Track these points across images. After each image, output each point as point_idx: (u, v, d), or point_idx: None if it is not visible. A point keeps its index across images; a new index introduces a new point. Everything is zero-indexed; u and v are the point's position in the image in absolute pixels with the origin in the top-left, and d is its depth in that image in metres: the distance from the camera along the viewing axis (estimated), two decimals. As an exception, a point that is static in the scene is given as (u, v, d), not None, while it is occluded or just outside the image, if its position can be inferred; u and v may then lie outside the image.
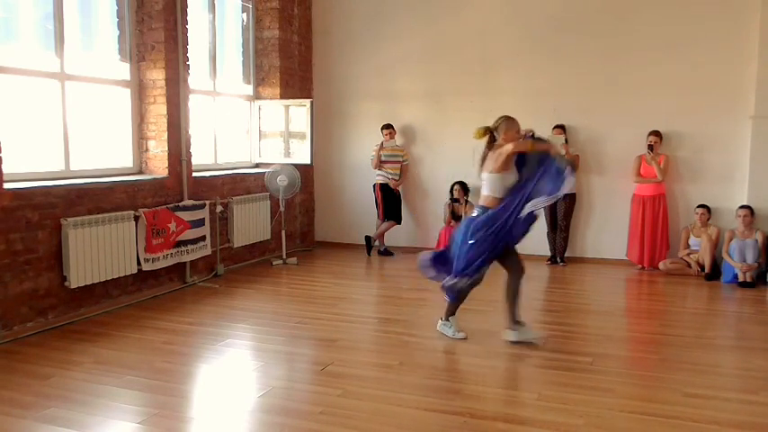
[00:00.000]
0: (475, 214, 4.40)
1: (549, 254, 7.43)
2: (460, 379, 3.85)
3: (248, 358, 4.38)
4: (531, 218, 4.27)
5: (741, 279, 6.28)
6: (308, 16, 8.27)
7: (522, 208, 4.19)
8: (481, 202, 4.41)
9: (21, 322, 4.63)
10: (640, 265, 7.07)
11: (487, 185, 4.37)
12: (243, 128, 7.70)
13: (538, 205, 4.19)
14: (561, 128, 7.21)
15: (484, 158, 4.42)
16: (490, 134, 4.42)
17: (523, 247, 7.63)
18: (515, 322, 4.46)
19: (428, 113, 7.94)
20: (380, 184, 7.79)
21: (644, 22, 6.98)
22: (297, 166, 7.36)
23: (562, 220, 7.28)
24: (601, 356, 4.25)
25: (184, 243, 6.00)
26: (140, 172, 6.01)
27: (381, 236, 7.93)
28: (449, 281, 4.50)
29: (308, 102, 7.57)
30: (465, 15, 7.63)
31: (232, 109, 7.52)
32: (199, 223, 6.19)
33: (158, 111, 5.90)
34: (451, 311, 4.69)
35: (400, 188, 7.92)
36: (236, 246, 6.93)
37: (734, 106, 6.74)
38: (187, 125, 6.16)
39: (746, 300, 5.84)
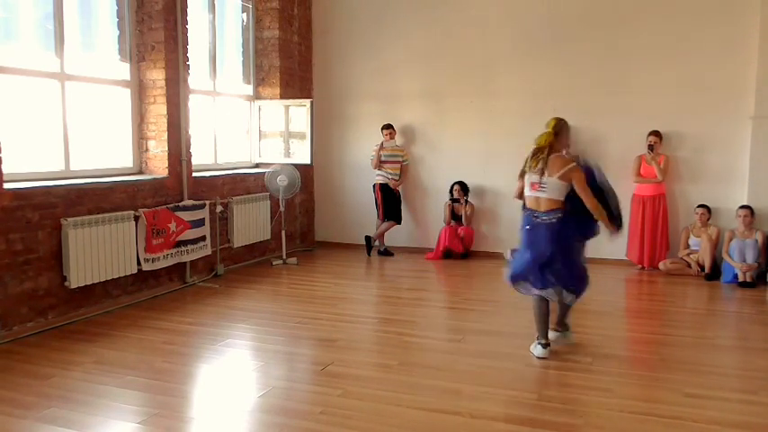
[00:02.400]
0: (554, 220, 4.18)
1: (549, 254, 7.42)
2: (460, 379, 3.85)
3: (248, 358, 4.38)
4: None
5: (741, 279, 6.28)
6: (308, 16, 8.28)
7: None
8: (552, 206, 4.18)
9: (21, 322, 4.63)
10: (640, 265, 7.07)
11: (555, 190, 4.16)
12: (243, 128, 7.70)
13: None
14: (561, 128, 7.19)
15: (539, 159, 4.18)
16: (553, 139, 4.22)
17: (523, 247, 7.68)
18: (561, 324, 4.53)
19: (428, 114, 7.94)
20: (380, 184, 7.78)
21: (644, 23, 6.98)
22: (297, 166, 7.36)
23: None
24: (601, 356, 4.25)
25: (184, 243, 6.00)
26: (140, 172, 6.01)
27: (381, 236, 7.93)
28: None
29: (308, 102, 7.57)
30: (465, 16, 7.63)
31: (232, 109, 7.52)
32: (199, 223, 6.19)
33: (158, 111, 5.90)
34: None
35: (400, 188, 7.92)
36: (236, 246, 6.93)
37: (734, 106, 6.74)
38: (187, 125, 6.16)
39: (746, 300, 5.83)
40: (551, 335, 4.39)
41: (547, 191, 4.18)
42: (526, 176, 4.29)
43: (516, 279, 4.38)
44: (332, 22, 8.24)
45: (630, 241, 7.13)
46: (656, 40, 6.94)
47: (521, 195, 4.44)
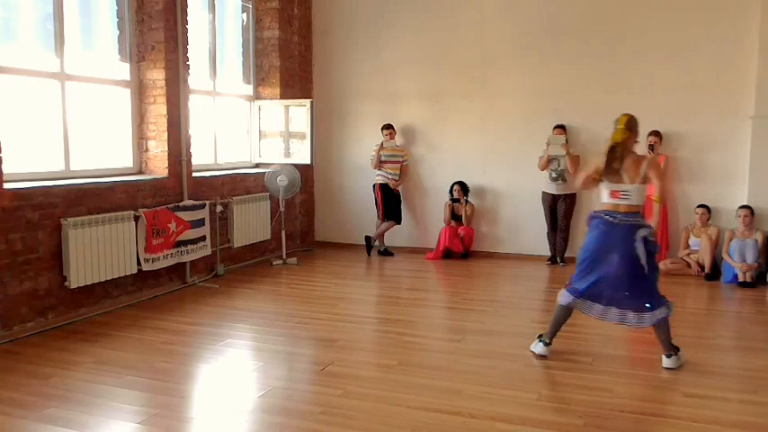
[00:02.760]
0: (643, 225, 3.99)
1: (548, 254, 7.44)
2: (460, 379, 3.85)
3: (248, 358, 4.38)
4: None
5: (741, 279, 6.28)
6: (308, 16, 8.28)
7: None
8: (633, 209, 4.01)
9: (21, 322, 4.63)
10: (640, 265, 7.06)
11: (639, 195, 4.00)
12: (243, 128, 7.70)
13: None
14: (562, 128, 7.20)
15: (614, 160, 3.99)
16: (628, 135, 4.04)
17: (523, 247, 7.72)
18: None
19: (428, 114, 7.95)
20: (380, 184, 7.79)
21: (644, 23, 6.98)
22: (297, 166, 7.36)
23: (562, 220, 7.28)
24: (601, 356, 4.25)
25: (184, 243, 6.00)
26: (140, 172, 6.01)
27: (381, 236, 7.93)
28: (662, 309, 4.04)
29: (308, 102, 7.56)
30: (465, 16, 7.63)
31: (232, 109, 7.52)
32: (199, 223, 6.19)
33: (158, 111, 5.90)
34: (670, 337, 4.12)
35: (400, 188, 7.92)
36: (236, 246, 6.93)
37: (734, 106, 6.74)
38: (187, 125, 6.15)
39: (746, 300, 5.83)
40: (665, 361, 4.06)
41: (630, 198, 3.99)
42: (604, 183, 4.06)
43: (582, 295, 4.09)
44: (332, 22, 8.24)
45: (630, 241, 7.12)
46: (656, 39, 6.94)
47: (586, 185, 4.21)
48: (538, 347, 4.23)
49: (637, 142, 4.13)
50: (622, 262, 3.96)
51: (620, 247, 3.97)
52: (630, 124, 4.05)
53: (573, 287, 4.15)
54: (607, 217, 4.04)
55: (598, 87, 7.20)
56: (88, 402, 3.51)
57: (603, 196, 4.11)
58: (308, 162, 7.59)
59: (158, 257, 5.70)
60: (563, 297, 4.20)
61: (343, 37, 8.19)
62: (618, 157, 4.00)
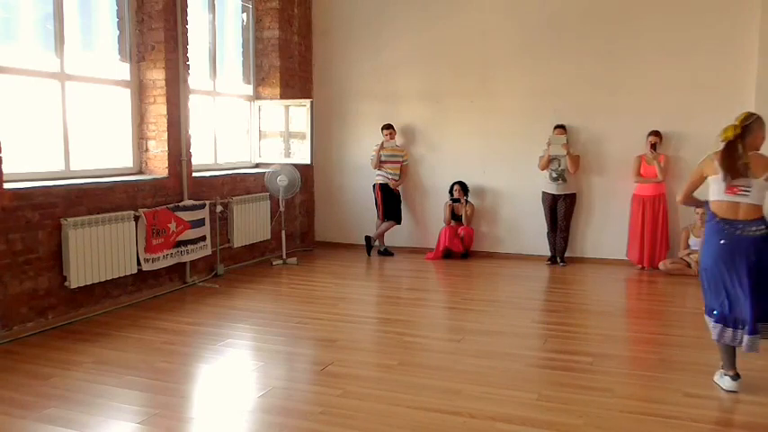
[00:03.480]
0: (761, 233, 3.56)
1: (549, 254, 7.44)
2: (460, 379, 3.85)
3: (248, 358, 4.38)
4: None
5: (741, 279, 6.27)
6: (308, 16, 8.28)
7: None
8: (756, 215, 3.57)
9: (21, 322, 4.63)
10: (640, 266, 7.07)
11: (759, 194, 3.55)
12: (243, 128, 7.70)
13: None
14: (562, 128, 7.20)
15: (736, 160, 3.59)
16: (740, 132, 3.62)
17: (523, 247, 7.71)
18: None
19: (428, 113, 7.94)
20: (380, 184, 7.78)
21: (644, 23, 6.98)
22: (297, 166, 7.36)
23: (562, 220, 7.28)
24: (601, 356, 4.25)
25: (184, 243, 6.00)
26: (140, 172, 6.01)
27: (381, 236, 7.93)
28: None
29: (308, 102, 7.56)
30: (465, 15, 7.63)
31: (232, 109, 7.52)
32: (199, 223, 6.19)
33: (158, 111, 5.90)
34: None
35: (400, 188, 7.92)
36: (236, 246, 6.93)
37: (734, 106, 6.69)
38: (187, 125, 6.16)
39: (746, 300, 5.82)
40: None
41: (751, 195, 3.55)
42: (715, 178, 3.68)
43: (723, 321, 3.71)
44: (332, 22, 8.24)
45: (630, 241, 7.13)
46: (657, 39, 6.94)
47: (689, 198, 3.88)
48: (725, 382, 3.71)
49: (755, 140, 3.67)
50: (751, 276, 3.55)
51: (746, 263, 3.54)
52: (746, 122, 3.64)
53: (709, 308, 3.81)
54: (727, 227, 3.59)
55: (598, 87, 7.20)
56: (88, 402, 3.51)
57: (716, 194, 3.68)
58: (308, 162, 7.59)
59: (158, 257, 5.70)
60: (710, 329, 3.83)
61: (343, 37, 8.19)
62: (740, 154, 3.59)
